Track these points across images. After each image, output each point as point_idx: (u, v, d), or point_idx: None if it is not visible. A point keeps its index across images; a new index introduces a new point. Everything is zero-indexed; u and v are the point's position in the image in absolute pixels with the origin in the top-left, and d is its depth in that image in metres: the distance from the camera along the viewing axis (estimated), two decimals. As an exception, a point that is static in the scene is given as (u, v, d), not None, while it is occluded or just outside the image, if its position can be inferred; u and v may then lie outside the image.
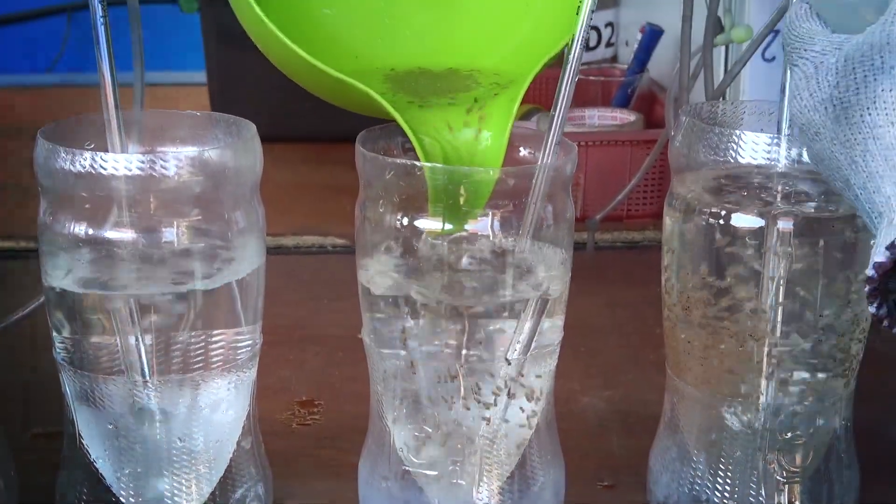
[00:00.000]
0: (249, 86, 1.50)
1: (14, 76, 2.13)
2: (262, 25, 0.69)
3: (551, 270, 0.70)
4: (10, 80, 2.08)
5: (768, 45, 1.21)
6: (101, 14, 0.67)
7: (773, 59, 1.20)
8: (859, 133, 0.59)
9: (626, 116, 1.40)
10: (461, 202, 0.68)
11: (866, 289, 0.56)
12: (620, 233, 1.31)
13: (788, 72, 0.64)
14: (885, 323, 0.57)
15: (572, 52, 0.67)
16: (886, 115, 0.58)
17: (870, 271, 0.56)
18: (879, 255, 0.55)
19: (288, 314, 1.05)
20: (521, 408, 0.73)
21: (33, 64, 2.36)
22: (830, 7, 0.63)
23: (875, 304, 0.56)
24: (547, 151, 0.68)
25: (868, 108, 0.59)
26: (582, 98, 1.40)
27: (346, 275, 1.17)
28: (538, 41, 0.75)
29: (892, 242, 0.54)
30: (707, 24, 0.93)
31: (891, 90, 0.58)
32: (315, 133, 1.53)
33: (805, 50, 0.63)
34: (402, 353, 0.72)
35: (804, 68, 0.63)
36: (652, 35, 1.44)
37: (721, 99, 1.19)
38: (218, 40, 1.54)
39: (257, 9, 0.68)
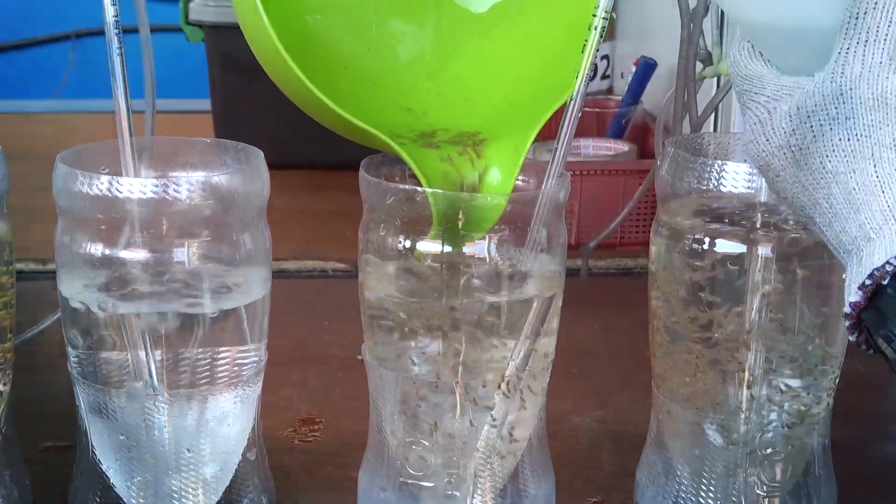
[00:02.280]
0: (252, 114, 1.53)
1: (20, 102, 2.16)
2: (287, 70, 0.71)
3: (547, 286, 0.73)
4: (16, 106, 2.10)
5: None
6: (117, 46, 0.70)
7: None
8: (821, 178, 0.60)
9: (619, 147, 1.43)
10: (460, 227, 0.70)
11: (846, 323, 0.58)
12: (614, 259, 1.33)
13: (743, 113, 0.66)
14: (863, 347, 0.59)
15: (576, 88, 0.69)
16: (847, 162, 0.59)
17: (847, 309, 0.58)
18: (853, 294, 0.57)
19: (290, 335, 1.08)
20: (514, 423, 0.74)
21: (38, 90, 2.38)
22: (766, 46, 0.64)
23: (854, 335, 0.58)
24: (549, 180, 0.71)
25: (827, 156, 0.60)
26: (577, 128, 1.45)
27: (345, 298, 1.20)
28: (541, 92, 0.77)
29: (863, 283, 0.57)
30: (688, 58, 0.95)
31: (848, 139, 0.59)
32: (316, 160, 1.56)
33: (755, 94, 0.64)
34: (401, 368, 0.74)
35: (757, 113, 0.64)
36: (646, 68, 1.46)
37: (713, 131, 1.22)
38: (222, 69, 1.57)
39: (286, 57, 0.70)
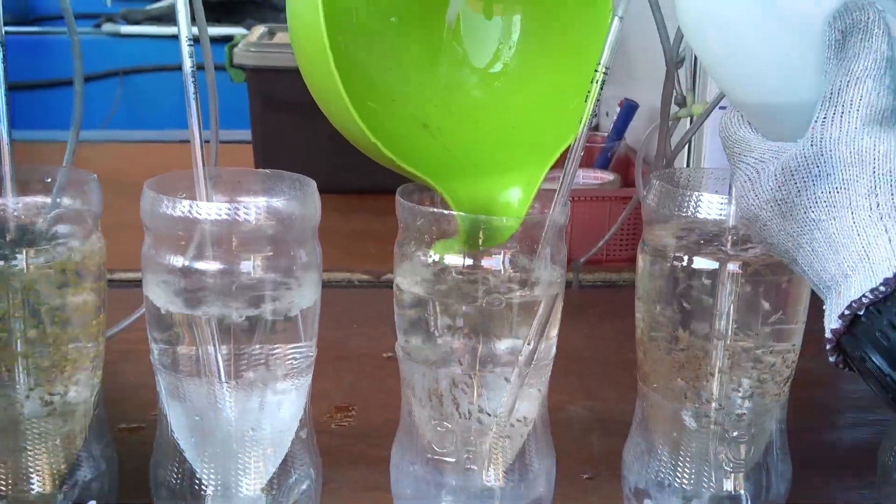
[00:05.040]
0: (287, 144, 1.56)
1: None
2: (346, 112, 0.72)
3: (551, 290, 0.76)
4: (69, 136, 2.11)
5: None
6: (192, 92, 0.74)
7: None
8: (805, 226, 0.62)
9: (605, 176, 1.46)
10: (480, 242, 0.74)
11: (827, 346, 0.61)
12: (601, 274, 1.36)
13: (732, 172, 0.67)
14: (840, 366, 0.62)
15: (580, 130, 0.74)
16: (827, 211, 0.61)
17: (828, 334, 0.60)
18: (834, 322, 0.60)
19: (324, 337, 1.10)
20: (522, 409, 0.78)
21: (89, 121, 2.40)
22: (753, 116, 0.66)
23: (834, 357, 0.61)
24: (555, 207, 0.75)
25: (810, 207, 0.62)
26: (561, 160, 1.48)
27: (370, 305, 1.24)
28: (547, 130, 0.81)
29: (843, 312, 0.59)
30: (663, 102, 0.98)
31: (829, 192, 0.61)
32: (344, 186, 1.58)
33: (745, 155, 0.66)
34: (428, 362, 0.77)
35: (747, 172, 0.65)
36: (629, 109, 1.49)
37: (687, 166, 1.25)
38: (262, 106, 1.58)
39: (349, 106, 0.72)
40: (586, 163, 1.52)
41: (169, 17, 3.01)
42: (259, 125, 1.59)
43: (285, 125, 1.54)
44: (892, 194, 0.60)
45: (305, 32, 0.74)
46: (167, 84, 2.78)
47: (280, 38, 1.63)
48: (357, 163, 1.40)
